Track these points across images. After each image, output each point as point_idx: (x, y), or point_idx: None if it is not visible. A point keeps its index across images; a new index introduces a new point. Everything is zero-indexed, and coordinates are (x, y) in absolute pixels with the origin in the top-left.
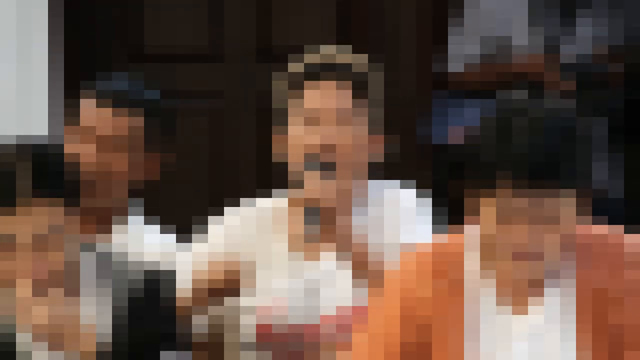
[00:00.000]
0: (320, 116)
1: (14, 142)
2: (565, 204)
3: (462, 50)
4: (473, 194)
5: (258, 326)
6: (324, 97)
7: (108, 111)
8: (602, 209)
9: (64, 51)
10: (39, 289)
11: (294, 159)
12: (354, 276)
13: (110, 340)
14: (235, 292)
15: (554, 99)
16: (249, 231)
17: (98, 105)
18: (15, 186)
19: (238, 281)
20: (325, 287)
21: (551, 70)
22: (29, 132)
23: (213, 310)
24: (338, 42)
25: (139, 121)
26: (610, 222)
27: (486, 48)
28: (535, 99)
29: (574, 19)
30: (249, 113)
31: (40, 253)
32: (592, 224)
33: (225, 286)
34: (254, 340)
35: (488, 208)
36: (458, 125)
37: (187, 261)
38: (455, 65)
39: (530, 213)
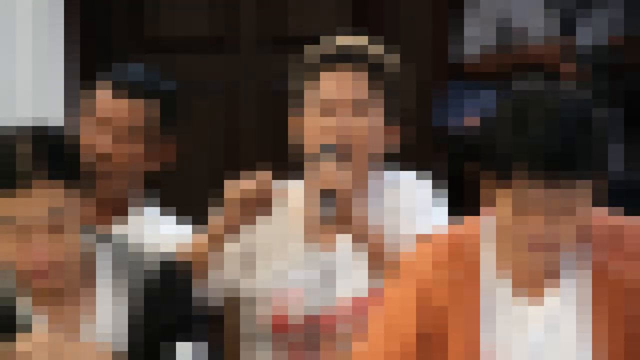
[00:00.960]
0: (336, 106)
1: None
2: (581, 195)
3: (478, 38)
4: (489, 185)
5: (274, 317)
6: (340, 87)
7: (124, 102)
8: (618, 200)
9: (80, 41)
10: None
11: (310, 148)
12: (370, 267)
13: (126, 338)
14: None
15: (570, 88)
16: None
17: (114, 96)
18: (15, 168)
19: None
20: (341, 274)
21: (567, 61)
22: (45, 123)
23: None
24: (353, 31)
25: (155, 111)
26: (627, 213)
27: (502, 36)
28: (551, 89)
29: (590, 9)
30: (264, 102)
31: (40, 236)
32: (608, 214)
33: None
34: (269, 330)
35: (504, 199)
36: (474, 116)
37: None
38: (471, 55)
39: (546, 204)
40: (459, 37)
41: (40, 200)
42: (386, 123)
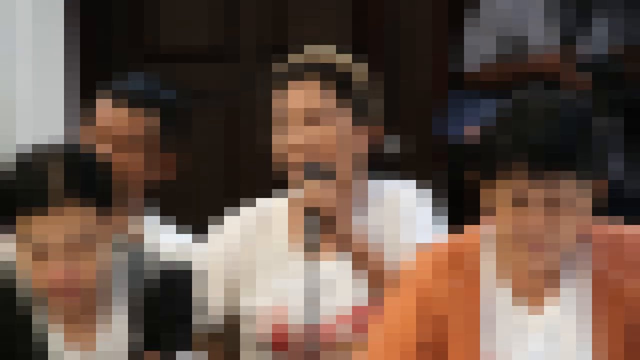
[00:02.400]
0: (304, 116)
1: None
2: (581, 194)
3: (478, 48)
4: (488, 191)
5: (274, 326)
6: (308, 97)
7: (124, 111)
8: (617, 209)
9: (80, 51)
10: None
11: (291, 160)
12: (354, 276)
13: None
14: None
15: (570, 97)
16: (249, 232)
17: (114, 105)
18: (47, 187)
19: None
20: (340, 286)
21: (567, 70)
22: (45, 132)
23: (229, 302)
24: (353, 41)
25: (155, 121)
26: (626, 222)
27: (502, 47)
28: (552, 95)
29: (590, 19)
30: (264, 112)
31: (72, 258)
32: (608, 223)
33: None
34: (269, 340)
35: (503, 199)
36: (474, 125)
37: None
38: (471, 65)
39: (545, 201)
40: (459, 46)
41: (73, 219)
42: (370, 124)
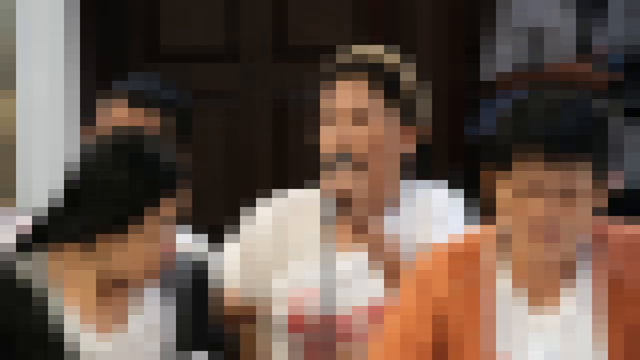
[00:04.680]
0: (352, 115)
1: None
2: (597, 185)
3: (494, 57)
4: (505, 178)
5: (290, 317)
6: (355, 97)
7: (124, 110)
8: (635, 209)
9: (80, 53)
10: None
11: (326, 156)
12: (386, 276)
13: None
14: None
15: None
16: (280, 222)
17: (114, 105)
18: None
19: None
20: (357, 281)
21: (583, 77)
22: (61, 135)
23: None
24: (370, 41)
25: (155, 120)
26: (627, 222)
27: (518, 54)
28: (567, 93)
29: (606, 19)
30: (264, 112)
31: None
32: (624, 223)
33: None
34: (285, 330)
35: (519, 189)
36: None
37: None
38: (487, 74)
39: (562, 192)
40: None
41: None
42: (402, 123)
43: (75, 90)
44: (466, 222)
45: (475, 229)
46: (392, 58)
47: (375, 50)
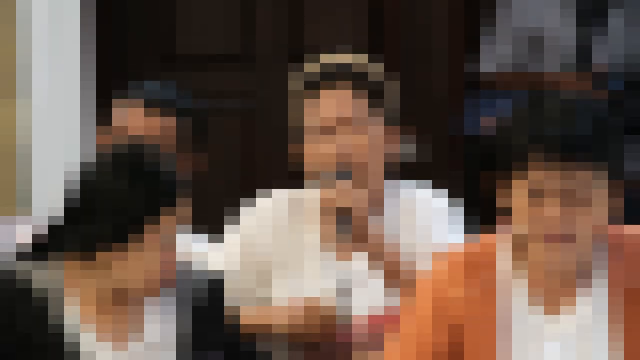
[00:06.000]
0: (336, 125)
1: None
2: (597, 186)
3: (494, 49)
4: (505, 183)
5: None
6: (340, 106)
7: (140, 111)
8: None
9: (96, 55)
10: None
11: (310, 168)
12: (386, 285)
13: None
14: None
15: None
16: (280, 222)
17: (130, 106)
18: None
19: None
20: (357, 291)
21: (584, 86)
22: (61, 137)
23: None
24: (370, 42)
25: (171, 122)
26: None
27: (518, 53)
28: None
29: (606, 28)
30: (280, 114)
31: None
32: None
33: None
34: (286, 340)
35: (520, 192)
36: (490, 117)
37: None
38: (487, 65)
39: (562, 192)
40: (475, 47)
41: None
42: (385, 124)
43: (78, 95)
44: (450, 222)
45: (476, 237)
46: (377, 67)
47: (359, 58)
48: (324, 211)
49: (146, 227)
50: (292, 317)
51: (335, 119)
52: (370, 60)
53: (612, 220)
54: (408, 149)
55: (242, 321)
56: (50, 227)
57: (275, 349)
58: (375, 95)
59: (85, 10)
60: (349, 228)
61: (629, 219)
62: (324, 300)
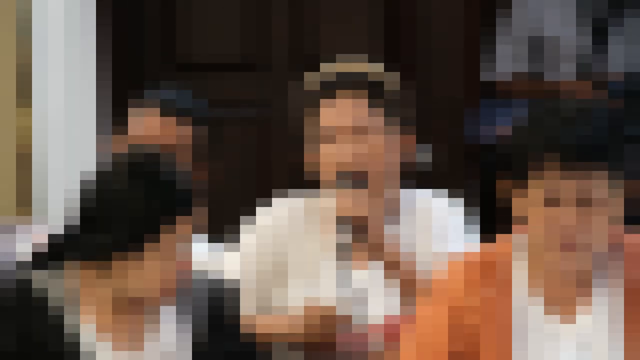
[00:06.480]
0: (336, 133)
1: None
2: (613, 194)
3: (510, 57)
4: (521, 189)
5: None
6: (340, 114)
7: (156, 120)
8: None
9: (112, 62)
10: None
11: (325, 177)
12: (402, 290)
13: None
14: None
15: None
16: (296, 230)
17: (146, 114)
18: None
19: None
20: (373, 296)
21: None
22: (77, 144)
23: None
24: (386, 50)
25: (187, 130)
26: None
27: (534, 62)
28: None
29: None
30: (296, 122)
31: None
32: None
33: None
34: (302, 349)
35: (535, 199)
36: (506, 125)
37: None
38: (503, 74)
39: (578, 201)
40: (491, 55)
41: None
42: (401, 132)
43: (94, 103)
44: (466, 231)
45: (491, 240)
46: (375, 67)
47: (358, 60)
48: (339, 220)
49: (162, 236)
50: (308, 326)
51: (352, 128)
52: (386, 69)
53: (612, 221)
54: (424, 158)
55: (258, 330)
56: (66, 236)
57: (291, 358)
58: (391, 104)
59: (101, 18)
60: (364, 237)
61: (629, 219)
62: (340, 309)
